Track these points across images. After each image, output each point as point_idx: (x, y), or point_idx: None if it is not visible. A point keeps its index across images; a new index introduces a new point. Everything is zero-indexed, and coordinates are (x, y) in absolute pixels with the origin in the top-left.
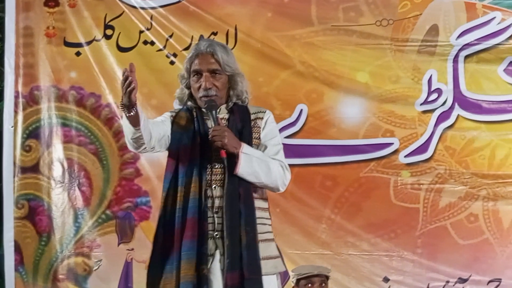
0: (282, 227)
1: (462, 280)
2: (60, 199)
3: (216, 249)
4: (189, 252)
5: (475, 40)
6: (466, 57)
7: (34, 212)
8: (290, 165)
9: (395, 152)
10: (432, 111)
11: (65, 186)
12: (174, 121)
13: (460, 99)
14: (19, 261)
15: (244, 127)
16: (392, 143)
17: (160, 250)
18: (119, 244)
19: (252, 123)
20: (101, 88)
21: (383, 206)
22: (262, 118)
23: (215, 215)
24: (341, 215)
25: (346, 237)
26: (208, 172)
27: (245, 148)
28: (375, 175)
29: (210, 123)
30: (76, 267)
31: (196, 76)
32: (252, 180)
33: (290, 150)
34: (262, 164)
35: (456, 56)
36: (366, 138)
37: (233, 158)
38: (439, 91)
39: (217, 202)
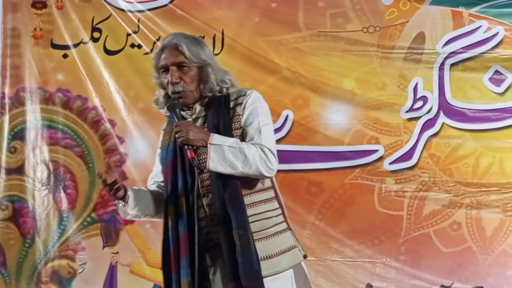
0: None
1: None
2: (45, 201)
3: (218, 259)
4: (183, 272)
5: (461, 48)
6: (452, 65)
7: (18, 214)
8: None
9: (380, 159)
10: (417, 118)
11: (50, 188)
12: (162, 139)
13: (445, 107)
14: (2, 263)
15: (221, 121)
16: (377, 150)
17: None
18: (104, 247)
19: (232, 112)
20: (88, 90)
21: (367, 212)
22: (242, 103)
23: (211, 224)
24: (326, 221)
25: (330, 243)
26: (197, 181)
27: (214, 138)
28: (360, 181)
29: None
30: (60, 269)
31: (164, 72)
32: (229, 172)
33: None
34: (236, 152)
35: (442, 64)
36: (351, 145)
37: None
38: (424, 98)
39: (209, 210)
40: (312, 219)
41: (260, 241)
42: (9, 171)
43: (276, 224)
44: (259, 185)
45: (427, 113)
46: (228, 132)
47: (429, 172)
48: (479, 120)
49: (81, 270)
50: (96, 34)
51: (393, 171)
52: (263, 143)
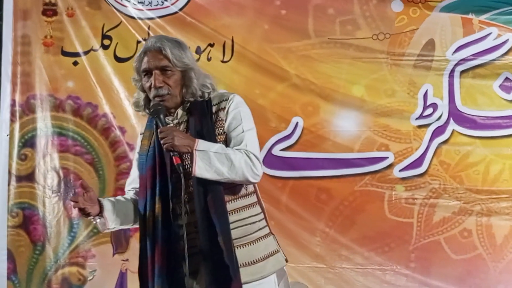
0: None
1: None
2: (55, 209)
3: (201, 265)
4: (157, 280)
5: (471, 55)
6: (462, 72)
7: (29, 221)
8: (285, 178)
9: (390, 166)
10: (427, 125)
11: (61, 196)
12: (141, 144)
13: (455, 114)
14: (12, 270)
15: (203, 126)
16: (387, 157)
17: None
18: (114, 254)
19: (214, 117)
20: (98, 98)
21: (377, 220)
22: (224, 108)
23: (195, 230)
24: (335, 228)
25: (340, 250)
26: (183, 187)
27: (200, 144)
28: (370, 189)
29: None
30: (70, 276)
31: (146, 75)
32: (215, 178)
33: (285, 163)
34: (222, 157)
35: (452, 71)
36: (361, 152)
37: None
38: (434, 105)
39: (193, 217)
40: (322, 226)
41: (244, 246)
42: (19, 178)
43: (260, 229)
44: (243, 191)
45: (437, 120)
46: (211, 138)
47: (439, 179)
48: (489, 127)
49: (91, 277)
50: (106, 42)
51: (403, 178)
52: (248, 148)
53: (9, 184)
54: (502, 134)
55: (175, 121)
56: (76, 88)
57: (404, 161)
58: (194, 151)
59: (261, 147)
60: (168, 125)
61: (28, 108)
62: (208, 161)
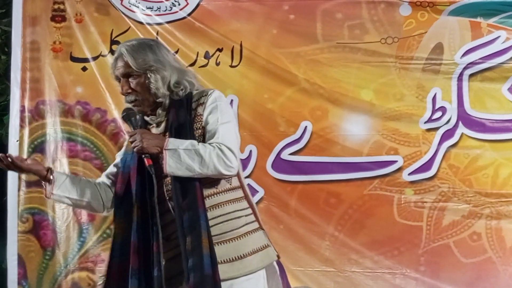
0: (286, 244)
1: None
2: (65, 214)
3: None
4: (132, 280)
5: (480, 58)
6: (471, 75)
7: (39, 226)
8: (294, 182)
9: (399, 170)
10: (436, 129)
11: None
12: (127, 144)
13: (464, 118)
14: (23, 275)
15: (180, 122)
16: (396, 161)
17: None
18: None
19: (193, 113)
20: (107, 103)
21: (386, 223)
22: (203, 103)
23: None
24: (345, 232)
25: (350, 254)
26: (164, 186)
27: (170, 143)
28: (379, 192)
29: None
30: (80, 281)
31: (120, 82)
32: (187, 175)
33: (294, 167)
34: (192, 154)
35: (461, 74)
36: (370, 156)
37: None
38: (443, 109)
39: (170, 216)
40: (331, 230)
41: (230, 241)
42: (29, 184)
43: (246, 224)
44: (226, 185)
45: (446, 123)
46: (188, 133)
47: (449, 183)
48: (498, 131)
49: (101, 282)
50: (115, 47)
51: (412, 182)
52: (221, 141)
53: (19, 190)
54: (511, 137)
55: (157, 120)
56: (85, 93)
57: (413, 164)
58: (164, 151)
59: (270, 151)
60: (137, 129)
61: (37, 114)
62: (178, 159)
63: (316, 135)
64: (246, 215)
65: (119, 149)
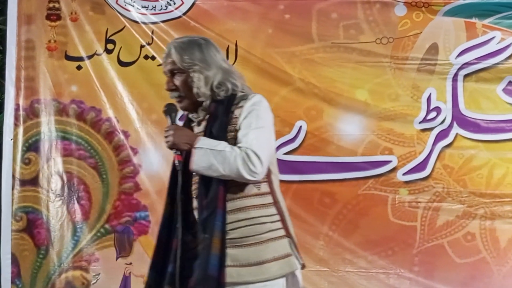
0: None
1: None
2: (59, 213)
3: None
4: (150, 272)
5: (475, 59)
6: (465, 76)
7: (33, 225)
8: (288, 182)
9: (394, 170)
10: (430, 129)
11: (64, 200)
12: None
13: (458, 118)
14: (16, 274)
15: (216, 123)
16: (391, 161)
17: None
18: (117, 258)
19: (230, 115)
20: (102, 102)
21: (380, 223)
22: (242, 107)
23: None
24: (339, 232)
25: (344, 254)
26: (189, 185)
27: (200, 142)
28: (373, 192)
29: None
30: (74, 280)
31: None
32: (212, 174)
33: (288, 167)
34: (219, 155)
35: (456, 75)
36: (365, 156)
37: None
38: (438, 109)
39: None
40: (325, 230)
41: (251, 246)
42: (23, 183)
43: (271, 230)
44: (254, 190)
45: (440, 124)
46: (221, 134)
47: (443, 183)
48: (492, 131)
49: (94, 281)
50: (110, 46)
51: (407, 182)
52: (249, 145)
53: (13, 188)
54: (506, 137)
55: (198, 119)
56: (79, 92)
57: (407, 164)
58: (192, 149)
59: None
60: (173, 124)
61: (32, 113)
62: (205, 158)
63: (311, 135)
64: (272, 222)
65: (114, 148)
